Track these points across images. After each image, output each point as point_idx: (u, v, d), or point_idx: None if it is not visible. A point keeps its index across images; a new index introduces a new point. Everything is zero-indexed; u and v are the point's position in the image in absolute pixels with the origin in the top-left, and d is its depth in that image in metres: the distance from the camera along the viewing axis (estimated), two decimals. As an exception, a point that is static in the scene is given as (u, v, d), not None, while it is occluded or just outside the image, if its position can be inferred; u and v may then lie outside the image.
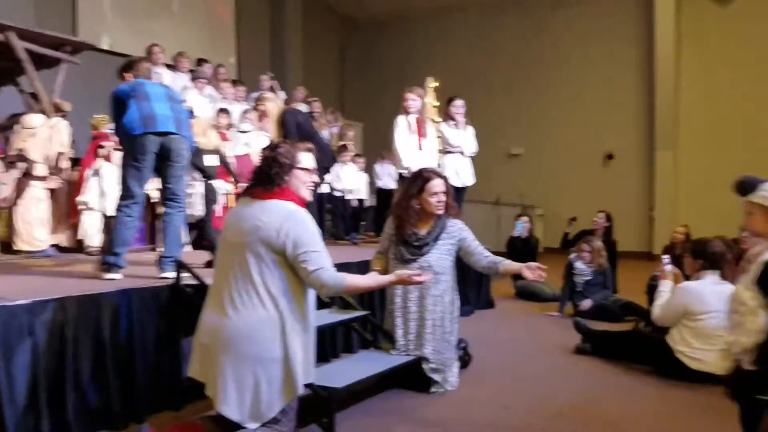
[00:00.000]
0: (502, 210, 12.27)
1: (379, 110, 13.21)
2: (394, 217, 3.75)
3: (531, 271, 3.34)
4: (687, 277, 4.26)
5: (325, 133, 9.00)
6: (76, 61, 6.29)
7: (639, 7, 13.17)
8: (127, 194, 3.67)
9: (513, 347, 4.97)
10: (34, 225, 5.22)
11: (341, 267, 4.67)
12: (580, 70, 13.85)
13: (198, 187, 4.49)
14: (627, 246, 10.78)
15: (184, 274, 3.48)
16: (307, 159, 2.68)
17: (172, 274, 3.59)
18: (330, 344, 4.40)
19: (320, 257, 2.54)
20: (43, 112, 5.88)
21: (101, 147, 5.47)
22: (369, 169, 9.39)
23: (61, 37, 6.31)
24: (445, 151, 6.50)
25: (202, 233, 4.51)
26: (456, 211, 3.76)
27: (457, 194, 6.44)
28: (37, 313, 2.76)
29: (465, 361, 4.06)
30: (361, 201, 8.87)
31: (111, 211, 5.46)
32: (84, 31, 9.90)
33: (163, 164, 3.73)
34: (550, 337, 5.29)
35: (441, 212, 3.64)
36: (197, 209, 4.71)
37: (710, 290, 3.99)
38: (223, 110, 6.97)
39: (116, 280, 3.57)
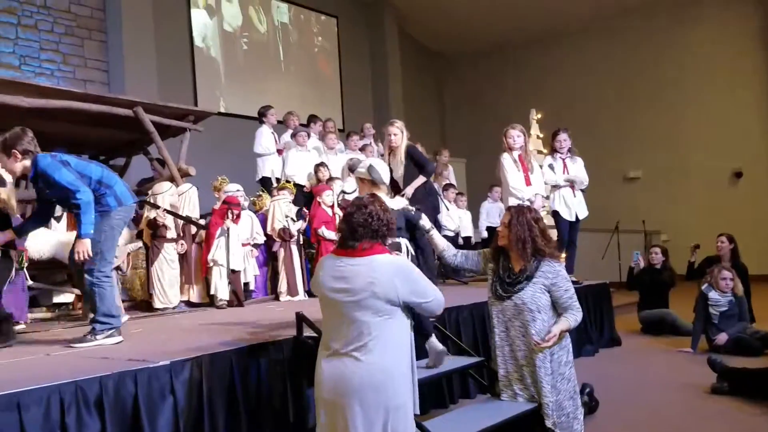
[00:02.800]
0: (623, 237, 11.70)
1: (481, 144, 13.25)
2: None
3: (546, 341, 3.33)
4: None
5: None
6: (198, 128, 6.84)
7: (759, 17, 12.43)
8: (110, 261, 3.97)
9: (643, 389, 4.71)
10: (168, 284, 5.67)
11: (453, 310, 4.73)
12: (699, 86, 13.24)
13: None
14: (762, 269, 9.97)
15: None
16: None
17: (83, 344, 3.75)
18: (447, 390, 4.40)
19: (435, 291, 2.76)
20: (171, 177, 6.43)
21: (230, 210, 5.86)
22: (473, 205, 9.38)
23: (184, 108, 6.89)
24: (554, 186, 6.38)
25: None
26: (540, 249, 3.60)
27: (571, 228, 6.32)
28: (176, 373, 2.98)
29: (591, 407, 3.90)
30: (467, 239, 8.85)
31: (235, 266, 5.83)
32: (202, 97, 10.77)
33: None
34: (684, 376, 4.97)
35: (501, 243, 3.58)
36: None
37: None
38: (322, 164, 7.26)
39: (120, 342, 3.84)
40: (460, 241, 8.64)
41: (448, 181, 8.89)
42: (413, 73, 15.63)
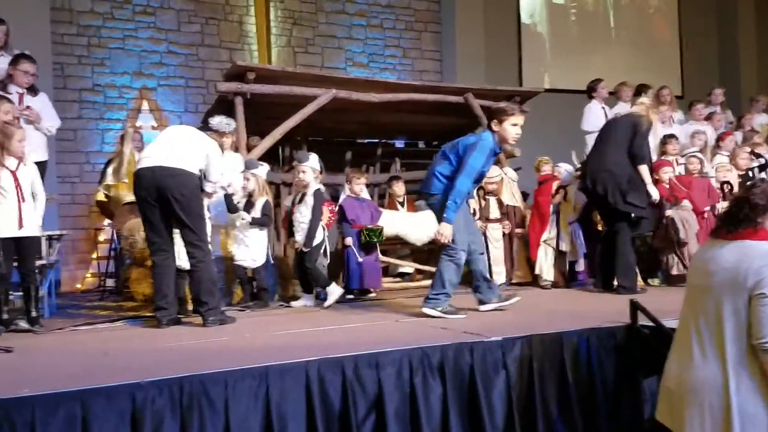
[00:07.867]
0: None
1: None
2: None
3: None
4: None
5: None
6: (525, 109, 6.89)
7: None
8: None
9: None
10: (493, 262, 5.87)
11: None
12: None
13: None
14: None
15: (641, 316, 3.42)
16: None
17: (429, 311, 4.00)
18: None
19: None
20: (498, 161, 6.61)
21: (558, 189, 5.82)
22: None
23: (511, 90, 7.03)
24: None
25: None
26: None
27: None
28: (507, 349, 3.11)
29: None
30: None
31: (563, 246, 5.78)
32: (527, 74, 10.83)
33: None
34: None
35: None
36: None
37: None
38: (670, 136, 6.63)
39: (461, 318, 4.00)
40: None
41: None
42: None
